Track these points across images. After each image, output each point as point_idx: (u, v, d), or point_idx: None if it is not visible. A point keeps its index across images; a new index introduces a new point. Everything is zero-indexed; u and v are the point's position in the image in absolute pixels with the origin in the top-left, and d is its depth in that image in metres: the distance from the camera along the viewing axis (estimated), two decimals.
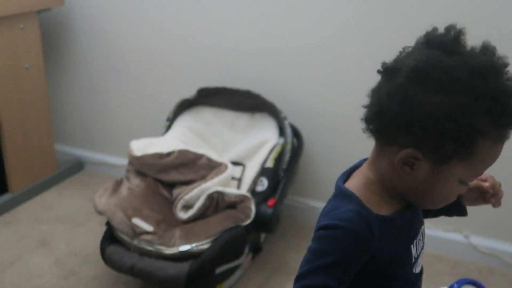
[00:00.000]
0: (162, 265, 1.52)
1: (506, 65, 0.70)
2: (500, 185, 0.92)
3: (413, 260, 0.82)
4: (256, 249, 1.90)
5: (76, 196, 2.37)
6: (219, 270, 1.61)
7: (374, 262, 0.75)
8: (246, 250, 1.74)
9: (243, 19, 2.01)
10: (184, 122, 2.04)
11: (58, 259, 1.91)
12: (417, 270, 0.85)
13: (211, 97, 2.06)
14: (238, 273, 1.77)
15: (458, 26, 0.73)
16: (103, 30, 2.30)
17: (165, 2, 2.12)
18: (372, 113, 0.75)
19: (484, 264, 1.92)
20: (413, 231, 0.82)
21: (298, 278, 0.73)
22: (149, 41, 2.22)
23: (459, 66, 0.67)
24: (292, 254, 1.96)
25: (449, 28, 0.73)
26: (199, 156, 1.85)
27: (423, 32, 0.76)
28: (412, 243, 0.81)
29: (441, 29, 0.74)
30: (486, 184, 0.91)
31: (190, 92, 2.05)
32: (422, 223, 0.86)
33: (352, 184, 0.80)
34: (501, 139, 0.71)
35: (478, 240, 1.92)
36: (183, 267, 1.50)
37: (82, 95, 2.49)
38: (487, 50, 0.71)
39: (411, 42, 0.77)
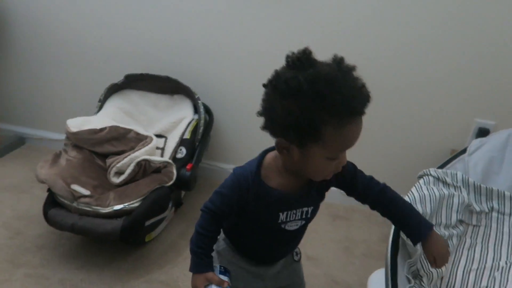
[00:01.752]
0: (99, 222, 1.43)
1: (340, 71, 0.73)
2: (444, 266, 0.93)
3: (280, 221, 0.88)
4: (178, 204, 1.87)
5: (19, 167, 2.15)
6: (148, 222, 1.56)
7: (246, 207, 0.85)
8: (170, 205, 1.70)
9: (163, 14, 1.90)
10: (114, 103, 1.92)
11: (4, 222, 1.73)
12: (289, 228, 0.90)
13: (137, 82, 1.95)
14: (163, 224, 1.73)
15: (307, 48, 0.75)
16: (38, 20, 2.06)
17: None
18: (260, 113, 0.81)
19: (348, 205, 2.05)
20: (287, 205, 0.87)
21: None
22: (82, 31, 2.03)
23: (294, 77, 0.71)
24: None
25: (303, 50, 0.75)
26: (128, 131, 1.76)
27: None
28: (282, 212, 0.87)
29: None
30: (432, 261, 0.90)
31: (118, 77, 1.93)
32: (306, 206, 0.89)
33: (269, 155, 0.87)
34: (344, 125, 0.73)
35: None
36: (118, 223, 1.43)
37: (22, 78, 2.24)
38: (334, 61, 0.75)
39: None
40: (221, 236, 1.01)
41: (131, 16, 1.93)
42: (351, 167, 0.91)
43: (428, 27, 1.66)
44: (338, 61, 0.75)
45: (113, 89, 1.94)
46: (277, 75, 0.75)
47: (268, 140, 0.83)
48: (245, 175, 0.85)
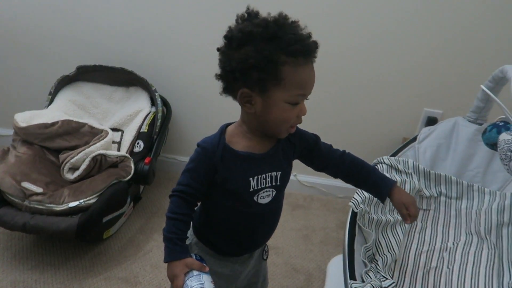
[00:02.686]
0: (53, 220, 1.38)
1: (286, 18, 0.79)
2: (418, 215, 0.94)
3: (252, 189, 0.87)
4: (137, 199, 1.83)
5: None
6: (105, 219, 1.52)
7: (216, 177, 0.85)
8: (128, 200, 1.66)
9: (118, 2, 1.82)
10: (66, 95, 1.84)
11: None
12: (262, 201, 0.89)
13: (89, 74, 1.87)
14: (122, 219, 1.69)
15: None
16: None
17: None
18: (218, 76, 0.83)
19: (307, 194, 2.10)
20: (256, 169, 0.87)
21: None
22: (30, 20, 1.91)
23: (247, 25, 0.77)
24: (166, 200, 1.91)
25: (247, 9, 0.81)
26: (82, 125, 1.69)
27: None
28: (252, 177, 0.86)
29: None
30: (405, 212, 0.92)
31: (69, 69, 1.84)
32: (274, 170, 0.89)
33: (230, 126, 0.89)
34: (300, 65, 0.77)
35: (302, 177, 2.08)
36: (73, 220, 1.38)
37: None
38: (279, 14, 0.79)
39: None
40: (193, 240, 0.97)
41: (84, 4, 1.84)
42: (313, 135, 0.96)
43: (379, 22, 1.72)
44: (284, 15, 0.80)
45: (65, 81, 1.85)
46: (230, 29, 0.80)
47: None
48: (210, 142, 0.86)
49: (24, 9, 1.89)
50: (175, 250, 0.83)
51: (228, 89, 0.83)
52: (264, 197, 0.89)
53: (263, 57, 0.75)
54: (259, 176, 0.87)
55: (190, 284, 0.80)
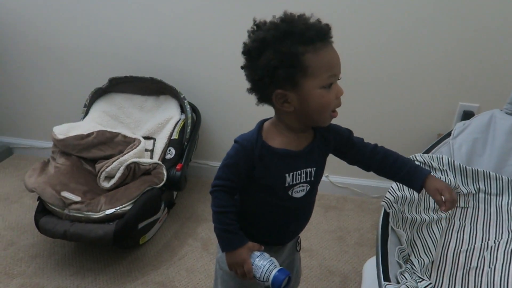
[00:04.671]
0: (91, 227, 1.43)
1: (291, 15, 0.81)
2: (455, 201, 0.91)
3: (287, 185, 0.89)
4: (170, 205, 1.87)
5: (8, 178, 2.13)
6: (141, 225, 1.56)
7: (254, 172, 0.87)
8: (162, 206, 1.71)
9: (145, 15, 1.89)
10: (99, 107, 1.91)
11: None
12: (296, 195, 0.91)
13: (121, 85, 1.94)
14: (157, 225, 1.74)
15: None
16: (18, 27, 2.04)
17: (72, 3, 1.93)
18: (250, 89, 0.86)
19: (340, 195, 2.07)
20: (292, 165, 0.88)
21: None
22: (63, 37, 2.01)
23: (258, 34, 0.81)
24: (199, 205, 1.96)
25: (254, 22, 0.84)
26: (115, 135, 1.75)
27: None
28: (288, 173, 0.88)
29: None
30: (440, 198, 0.90)
31: (102, 81, 1.92)
32: (309, 167, 0.90)
33: (267, 122, 0.90)
34: (320, 49, 0.79)
35: (334, 178, 2.06)
36: (110, 227, 1.43)
37: (5, 87, 2.22)
38: (285, 17, 0.81)
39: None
40: None
41: (112, 20, 1.92)
42: (346, 130, 0.97)
43: (413, 15, 1.68)
44: (289, 12, 0.82)
45: (98, 94, 1.93)
46: (245, 44, 0.83)
47: None
48: (248, 139, 0.87)
49: (60, 29, 1.99)
50: (235, 239, 0.88)
51: (263, 98, 0.86)
52: (299, 192, 0.91)
53: (283, 54, 0.78)
54: (295, 172, 0.89)
55: (260, 264, 0.85)
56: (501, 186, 1.39)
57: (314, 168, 0.91)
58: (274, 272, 0.84)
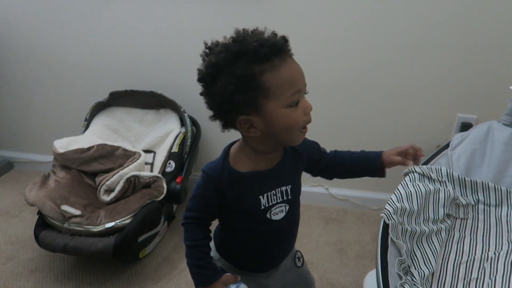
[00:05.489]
0: (91, 241, 1.43)
1: (244, 33, 0.77)
2: (419, 147, 0.95)
3: (263, 207, 0.85)
4: (171, 218, 1.87)
5: (8, 192, 2.14)
6: (141, 238, 1.57)
7: (225, 199, 0.83)
8: (162, 219, 1.71)
9: (143, 29, 1.92)
10: (100, 121, 1.93)
11: None
12: (275, 217, 0.88)
13: (121, 99, 1.96)
14: (157, 239, 1.74)
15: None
16: (18, 42, 2.07)
17: (72, 18, 1.96)
18: (212, 117, 0.82)
19: (340, 207, 2.07)
20: (264, 187, 0.85)
21: None
22: (63, 51, 2.04)
23: (210, 59, 0.76)
24: None
25: (205, 44, 0.81)
26: (115, 148, 1.76)
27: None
28: (262, 195, 0.85)
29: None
30: (406, 146, 0.95)
31: (103, 95, 1.94)
32: (284, 185, 0.88)
33: (233, 147, 0.88)
34: (278, 66, 0.73)
35: (334, 191, 2.07)
36: (110, 240, 1.43)
37: (6, 102, 2.24)
38: (237, 36, 0.76)
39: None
40: (215, 256, 0.98)
41: (112, 34, 1.95)
42: (313, 141, 0.96)
43: (409, 27, 1.71)
44: (241, 30, 0.78)
45: (99, 107, 1.95)
46: (199, 71, 0.78)
47: None
48: (213, 168, 0.84)
49: (60, 43, 2.02)
50: (209, 274, 0.85)
51: (227, 124, 0.82)
52: (277, 213, 0.88)
53: (238, 77, 0.72)
54: (269, 193, 0.85)
55: None
56: (500, 197, 1.40)
57: (290, 186, 0.88)
58: None
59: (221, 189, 0.83)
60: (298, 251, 1.07)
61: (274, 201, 0.86)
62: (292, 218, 0.92)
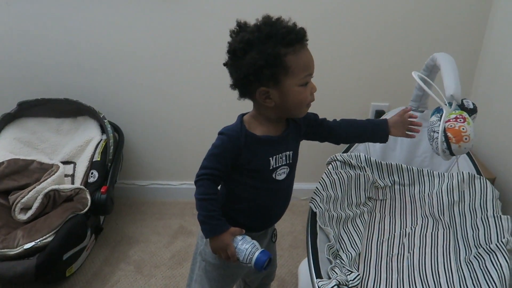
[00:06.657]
0: (9, 265, 1.32)
1: (271, 19, 0.91)
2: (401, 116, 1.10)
3: (271, 167, 0.98)
4: (98, 230, 1.79)
5: None
6: (66, 256, 1.48)
7: (240, 158, 0.95)
8: (88, 232, 1.62)
9: (51, 34, 1.79)
10: (9, 134, 1.77)
11: None
12: (279, 177, 1.01)
13: (32, 109, 1.82)
14: (84, 254, 1.65)
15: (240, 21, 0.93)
16: None
17: None
18: (233, 85, 0.95)
19: None
20: (274, 149, 0.99)
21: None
22: None
23: (243, 35, 0.89)
24: (130, 226, 1.89)
25: (237, 22, 0.93)
26: (29, 162, 1.64)
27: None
28: (271, 156, 0.98)
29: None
30: (406, 133, 1.11)
31: (10, 106, 1.79)
32: (288, 150, 1.01)
33: (246, 116, 1.01)
34: (299, 51, 0.89)
35: None
36: (31, 262, 1.33)
37: None
38: (267, 20, 0.91)
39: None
40: None
41: (15, 39, 1.80)
42: (312, 113, 1.09)
43: (321, 14, 1.78)
44: (268, 15, 0.92)
45: (6, 119, 1.79)
46: (229, 44, 0.91)
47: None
48: (233, 129, 0.96)
49: None
50: (218, 225, 0.93)
51: (245, 93, 0.95)
52: (281, 174, 1.01)
53: (268, 55, 0.87)
54: (277, 156, 0.99)
55: (243, 247, 0.91)
56: (412, 177, 1.53)
57: (292, 151, 1.02)
58: (256, 254, 0.90)
59: (238, 148, 0.95)
60: (275, 229, 1.17)
61: (280, 163, 1.00)
62: (290, 179, 1.06)
